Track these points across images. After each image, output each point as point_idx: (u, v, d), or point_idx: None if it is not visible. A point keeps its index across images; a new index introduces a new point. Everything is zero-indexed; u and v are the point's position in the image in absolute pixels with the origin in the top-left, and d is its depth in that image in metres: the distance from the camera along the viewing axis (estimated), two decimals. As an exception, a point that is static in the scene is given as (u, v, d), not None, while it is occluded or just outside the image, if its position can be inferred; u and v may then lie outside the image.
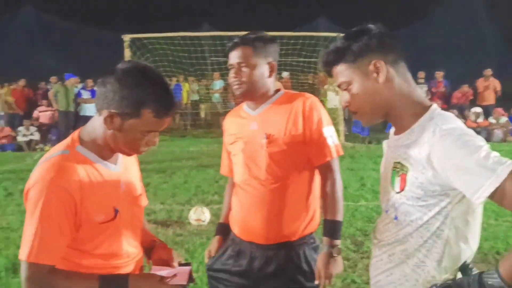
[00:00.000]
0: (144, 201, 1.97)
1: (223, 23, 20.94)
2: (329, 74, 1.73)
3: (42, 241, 1.56)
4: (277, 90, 2.43)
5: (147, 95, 1.60)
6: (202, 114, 17.28)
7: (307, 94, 2.40)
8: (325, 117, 2.36)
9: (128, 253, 1.80)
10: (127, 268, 1.80)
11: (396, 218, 1.62)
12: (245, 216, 2.39)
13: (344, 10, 26.11)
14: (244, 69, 2.29)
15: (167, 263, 1.86)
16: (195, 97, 17.45)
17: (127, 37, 12.44)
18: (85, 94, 14.16)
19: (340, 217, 2.32)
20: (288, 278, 2.34)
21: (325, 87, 14.55)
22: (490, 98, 15.01)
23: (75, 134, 1.76)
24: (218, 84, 16.98)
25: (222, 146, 2.66)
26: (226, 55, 2.36)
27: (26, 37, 24.66)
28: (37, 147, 13.64)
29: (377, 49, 1.60)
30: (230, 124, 2.53)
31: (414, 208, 1.55)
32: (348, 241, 5.39)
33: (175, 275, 1.80)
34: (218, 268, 2.48)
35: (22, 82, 16.65)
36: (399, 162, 1.59)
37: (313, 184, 2.40)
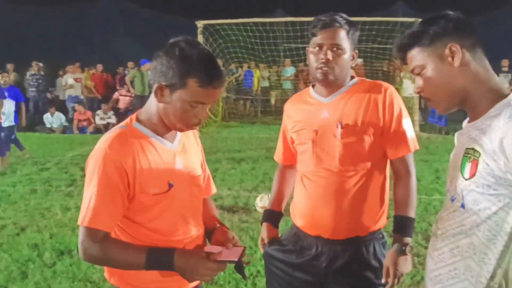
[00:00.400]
0: (213, 188, 2.11)
1: (296, 8, 20.76)
2: (403, 60, 1.69)
3: (96, 208, 1.65)
4: (351, 77, 2.30)
5: (192, 65, 1.65)
6: (273, 101, 17.22)
7: (385, 83, 2.27)
8: (404, 108, 2.25)
9: (186, 231, 1.83)
10: (185, 247, 1.81)
11: (462, 206, 1.55)
12: (313, 208, 2.25)
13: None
14: (337, 52, 2.16)
15: (223, 244, 1.85)
16: (266, 83, 17.41)
17: (200, 23, 12.59)
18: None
19: (413, 213, 2.20)
20: (357, 275, 2.23)
21: (401, 74, 14.04)
22: None
23: (135, 114, 1.85)
24: (289, 70, 16.85)
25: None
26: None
27: (106, 24, 25.64)
28: (114, 130, 14.11)
29: (453, 33, 1.56)
30: (295, 110, 2.40)
31: (483, 197, 1.48)
32: (419, 236, 5.18)
33: (221, 252, 1.78)
34: (280, 258, 2.37)
35: (100, 67, 17.36)
36: (471, 148, 1.53)
37: (386, 177, 2.29)
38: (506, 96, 1.53)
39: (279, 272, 2.37)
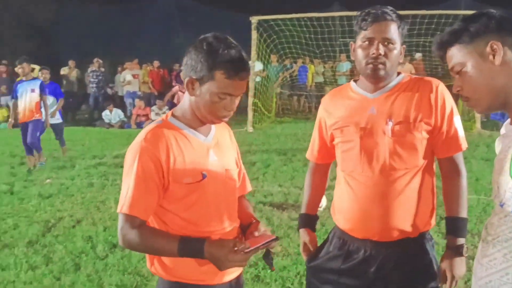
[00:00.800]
0: (248, 187, 2.16)
1: (353, 2, 20.36)
2: (442, 59, 1.65)
3: (134, 197, 1.75)
4: (398, 73, 2.21)
5: (218, 58, 1.72)
6: (327, 97, 17.02)
7: (435, 79, 2.18)
8: (455, 106, 2.16)
9: (219, 224, 1.88)
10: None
11: None
12: (361, 210, 2.15)
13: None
14: (388, 46, 2.08)
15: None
16: (320, 79, 17.21)
17: (254, 19, 12.60)
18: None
19: (465, 213, 2.12)
20: (408, 278, 2.13)
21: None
22: None
23: (171, 110, 1.95)
24: (345, 66, 16.61)
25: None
26: (358, 31, 2.14)
27: (164, 20, 26.15)
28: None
29: (495, 30, 1.52)
30: (336, 105, 2.29)
31: None
32: (476, 238, 4.93)
33: (249, 240, 1.81)
34: (323, 268, 2.29)
35: (156, 64, 17.71)
36: None
37: (434, 177, 2.20)
38: None
39: (323, 284, 2.29)
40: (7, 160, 9.64)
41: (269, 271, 4.20)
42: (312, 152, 2.46)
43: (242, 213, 2.04)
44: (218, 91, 1.75)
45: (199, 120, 1.87)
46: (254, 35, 12.65)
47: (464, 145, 2.17)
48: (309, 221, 2.46)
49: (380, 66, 2.08)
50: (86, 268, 4.35)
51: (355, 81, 2.28)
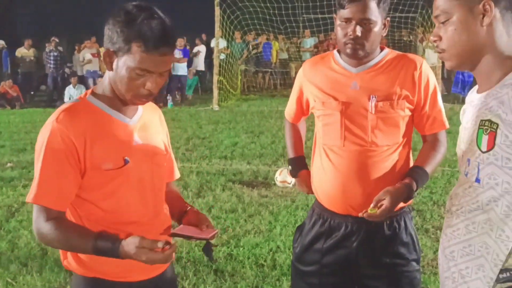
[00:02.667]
0: (176, 174, 1.98)
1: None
2: (430, 4, 1.62)
3: (41, 184, 1.57)
4: (381, 48, 2.17)
5: (136, 29, 1.53)
6: (292, 73, 17.01)
7: (418, 57, 2.17)
8: (437, 85, 2.17)
9: (144, 213, 1.71)
10: (144, 230, 1.63)
11: (478, 180, 1.48)
12: (343, 185, 2.12)
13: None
14: (366, 26, 2.01)
15: (196, 226, 1.74)
16: (284, 55, 17.17)
17: (217, -5, 12.36)
18: (177, 54, 14.35)
19: (429, 171, 2.12)
20: (390, 252, 2.14)
21: (423, 44, 13.69)
22: None
23: (92, 88, 1.77)
24: (309, 42, 16.58)
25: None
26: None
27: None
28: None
29: None
30: (317, 75, 2.22)
31: (502, 170, 1.41)
32: (442, 209, 5.04)
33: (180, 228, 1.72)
34: (306, 249, 2.24)
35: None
36: (488, 120, 1.45)
37: (411, 152, 2.22)
38: None
39: (307, 266, 2.26)
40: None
41: (241, 249, 4.19)
42: (289, 113, 2.46)
43: (173, 200, 1.89)
44: (134, 65, 1.55)
45: (122, 100, 1.66)
46: (217, 11, 12.42)
47: (447, 124, 2.19)
48: (299, 162, 2.46)
49: (358, 47, 2.03)
50: (54, 253, 4.23)
51: (338, 51, 2.22)
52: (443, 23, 1.53)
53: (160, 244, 1.52)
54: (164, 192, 1.85)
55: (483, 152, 1.46)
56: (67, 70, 17.14)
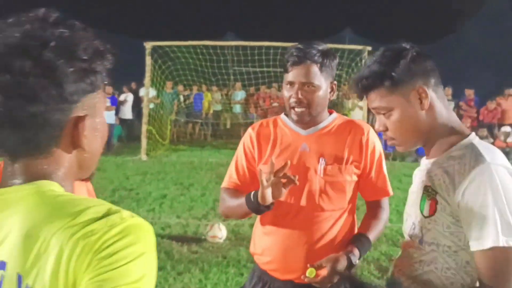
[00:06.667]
0: None
1: (246, 32, 20.86)
2: (361, 98, 1.64)
3: None
4: (329, 112, 2.20)
5: None
6: (227, 125, 17.06)
7: (364, 123, 2.21)
8: (383, 152, 2.19)
9: None
10: None
11: (421, 242, 1.53)
12: (286, 250, 2.06)
13: (370, 22, 25.77)
14: (308, 90, 2.02)
15: None
16: (218, 107, 17.25)
17: (149, 45, 12.31)
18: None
19: (372, 239, 2.10)
20: None
21: (351, 101, 14.24)
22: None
23: None
24: (239, 94, 16.78)
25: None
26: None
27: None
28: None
29: (418, 73, 1.54)
30: (265, 138, 2.16)
31: (442, 235, 1.48)
32: (372, 266, 5.10)
33: None
34: None
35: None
36: (430, 186, 1.51)
37: (356, 217, 2.22)
38: (467, 135, 1.52)
39: None
40: None
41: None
42: (230, 180, 2.23)
43: None
44: None
45: None
46: (148, 60, 12.35)
47: (391, 191, 2.20)
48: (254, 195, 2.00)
49: (303, 111, 2.04)
50: None
51: (286, 114, 2.20)
52: (384, 114, 1.57)
53: None
54: None
55: (426, 217, 1.51)
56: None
